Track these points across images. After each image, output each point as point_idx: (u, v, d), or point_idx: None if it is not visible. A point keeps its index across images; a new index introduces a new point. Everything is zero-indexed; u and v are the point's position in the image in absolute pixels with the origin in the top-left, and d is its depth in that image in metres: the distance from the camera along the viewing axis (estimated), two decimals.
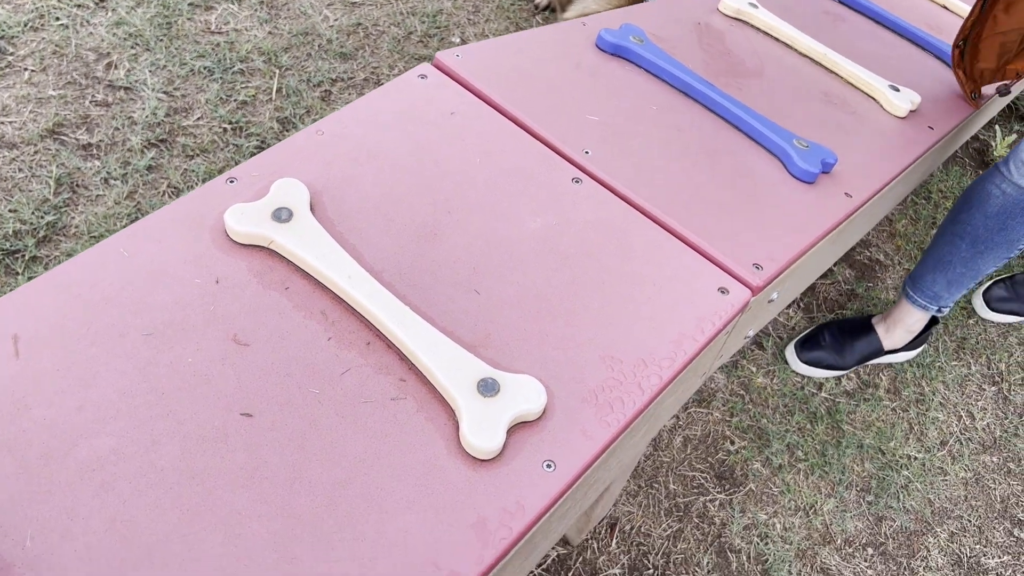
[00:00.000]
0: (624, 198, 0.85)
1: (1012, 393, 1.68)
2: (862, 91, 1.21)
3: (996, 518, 1.51)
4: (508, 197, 0.83)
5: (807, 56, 1.25)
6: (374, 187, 0.81)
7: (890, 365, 1.66)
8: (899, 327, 1.59)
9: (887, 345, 1.61)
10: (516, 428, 0.67)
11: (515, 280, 0.76)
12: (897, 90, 1.21)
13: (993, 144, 2.12)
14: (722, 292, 0.79)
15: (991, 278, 1.84)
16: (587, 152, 0.89)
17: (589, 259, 0.79)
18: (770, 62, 1.20)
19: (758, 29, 1.28)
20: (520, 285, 0.76)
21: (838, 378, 1.62)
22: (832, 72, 1.23)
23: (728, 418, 1.54)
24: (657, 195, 0.86)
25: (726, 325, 0.77)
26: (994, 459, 1.58)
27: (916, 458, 1.55)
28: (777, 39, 1.27)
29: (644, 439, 0.81)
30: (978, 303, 1.77)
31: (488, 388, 0.67)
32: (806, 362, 1.60)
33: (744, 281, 0.80)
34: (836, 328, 1.63)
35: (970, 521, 1.49)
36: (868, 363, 1.64)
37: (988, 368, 1.70)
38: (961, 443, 1.58)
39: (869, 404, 1.60)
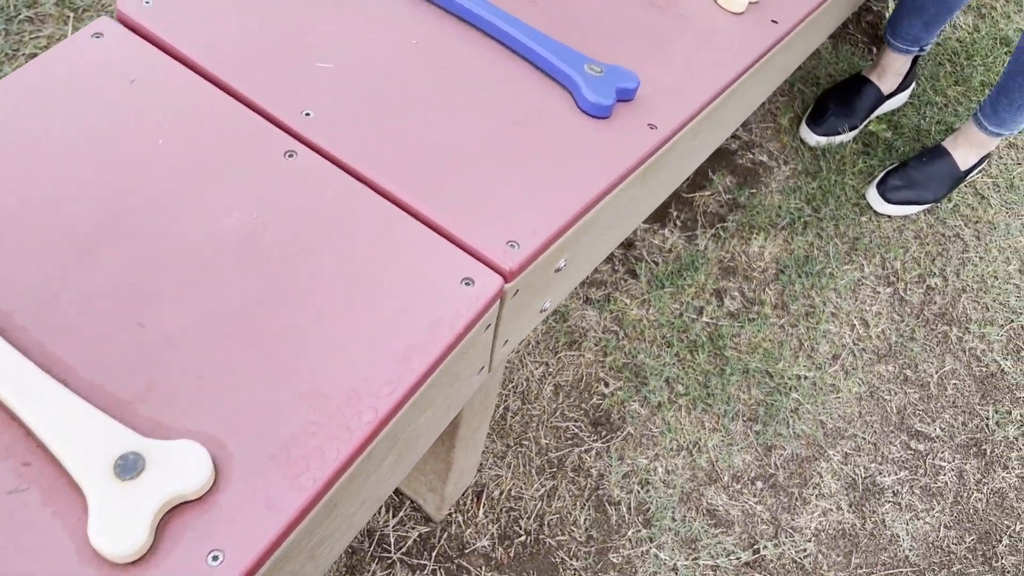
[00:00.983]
0: (351, 171, 0.68)
1: (908, 293, 1.56)
2: None
3: (892, 431, 1.42)
4: (198, 187, 0.66)
5: None
6: (17, 192, 0.63)
7: (777, 278, 1.53)
8: (888, 73, 1.74)
9: (885, 90, 1.75)
10: (177, 512, 0.52)
11: (197, 301, 0.60)
12: None
13: (887, 16, 1.95)
14: (466, 284, 0.63)
15: (884, 166, 1.71)
16: (308, 114, 0.71)
17: (298, 260, 0.63)
18: None
19: None
20: (203, 307, 0.60)
21: (854, 139, 1.77)
22: None
23: (601, 358, 1.41)
24: (395, 162, 0.69)
25: (472, 325, 0.62)
26: (889, 368, 1.48)
27: (806, 377, 1.44)
28: None
29: (399, 467, 0.66)
30: (873, 196, 1.64)
31: (128, 468, 0.51)
32: (823, 133, 1.71)
33: (495, 266, 0.64)
34: (836, 92, 1.75)
35: (865, 439, 1.40)
36: (873, 115, 1.78)
37: (883, 268, 1.59)
38: (854, 355, 1.48)
39: (754, 324, 1.48)
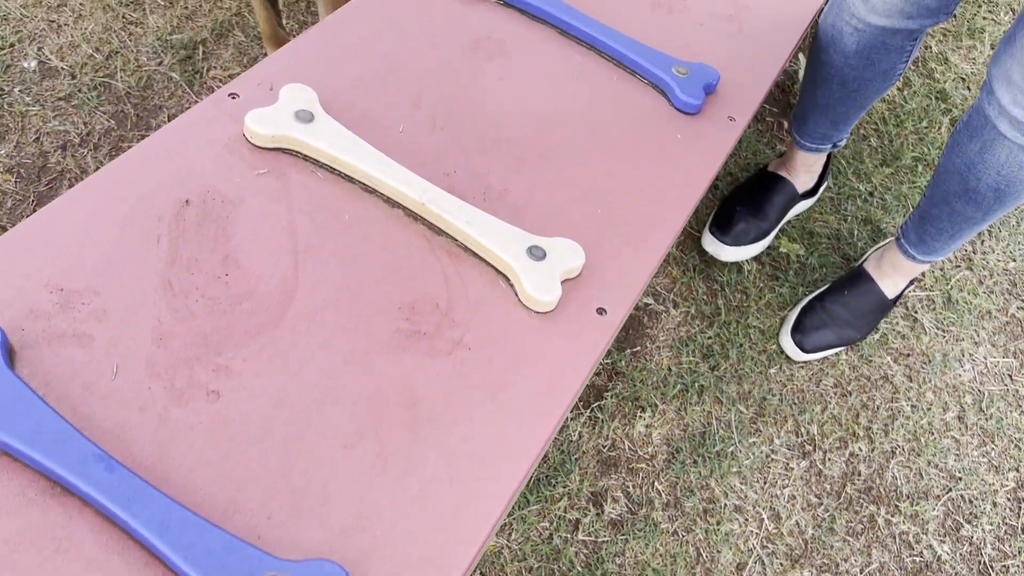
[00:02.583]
0: None
1: (827, 464, 1.30)
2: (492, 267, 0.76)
3: None
4: None
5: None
6: None
7: (668, 466, 1.26)
8: (800, 171, 1.45)
9: (800, 187, 1.46)
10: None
11: None
12: (541, 256, 0.75)
13: (800, 75, 1.63)
14: None
15: (796, 295, 1.42)
16: None
17: None
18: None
19: None
20: None
21: (759, 260, 1.47)
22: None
23: None
24: None
25: None
26: (805, 575, 1.23)
27: None
28: None
29: None
30: (788, 346, 1.36)
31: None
32: (732, 244, 1.40)
33: None
34: (742, 193, 1.45)
35: None
36: (787, 216, 1.49)
37: (796, 435, 1.32)
38: (763, 563, 1.22)
39: (641, 535, 1.21)
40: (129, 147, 1.39)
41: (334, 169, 0.79)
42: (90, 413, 0.60)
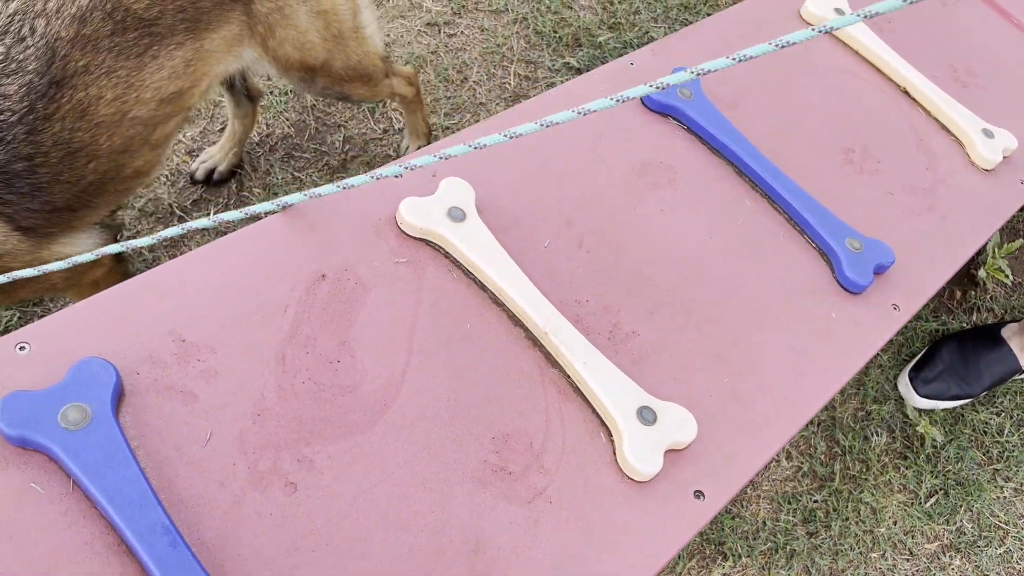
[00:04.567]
0: None
1: None
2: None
3: None
4: None
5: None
6: None
7: None
8: None
9: None
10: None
11: None
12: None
13: (986, 255, 1.50)
14: None
15: (919, 480, 1.32)
16: None
17: None
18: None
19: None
20: None
21: (890, 434, 1.37)
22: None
23: None
24: None
25: None
26: None
27: None
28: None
29: None
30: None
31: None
32: (925, 395, 1.34)
33: None
34: (956, 345, 1.37)
35: None
36: (995, 387, 1.39)
37: None
38: None
39: None
40: (302, 156, 1.45)
41: (470, 273, 0.79)
42: (173, 476, 0.61)
